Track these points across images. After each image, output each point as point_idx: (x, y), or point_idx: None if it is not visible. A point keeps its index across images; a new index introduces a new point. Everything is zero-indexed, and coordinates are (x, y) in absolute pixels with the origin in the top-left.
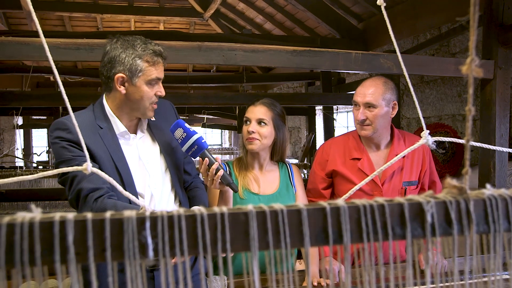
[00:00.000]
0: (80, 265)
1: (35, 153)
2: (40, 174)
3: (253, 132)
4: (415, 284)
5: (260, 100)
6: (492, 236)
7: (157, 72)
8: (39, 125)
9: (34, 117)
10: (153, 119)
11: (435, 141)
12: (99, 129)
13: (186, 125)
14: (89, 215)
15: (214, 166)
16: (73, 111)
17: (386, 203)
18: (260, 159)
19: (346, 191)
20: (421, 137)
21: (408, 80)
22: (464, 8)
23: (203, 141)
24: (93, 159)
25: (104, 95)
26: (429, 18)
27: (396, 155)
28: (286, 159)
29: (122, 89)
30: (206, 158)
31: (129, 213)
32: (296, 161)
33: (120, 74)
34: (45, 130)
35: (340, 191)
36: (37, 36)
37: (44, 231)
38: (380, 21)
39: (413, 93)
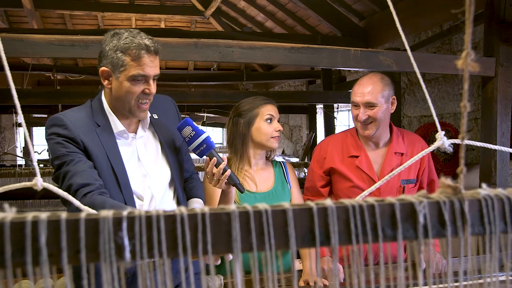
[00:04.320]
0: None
1: (35, 151)
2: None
3: (280, 130)
4: (413, 285)
5: (270, 99)
6: (488, 238)
7: (141, 68)
8: (39, 123)
9: (35, 115)
10: (151, 115)
11: (451, 144)
12: (96, 127)
13: (195, 123)
14: (63, 215)
15: (222, 166)
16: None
17: (376, 203)
18: (258, 158)
19: (344, 189)
20: (431, 136)
21: (419, 76)
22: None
23: (211, 140)
24: (89, 157)
25: (103, 91)
26: (431, 16)
27: (395, 152)
28: (286, 158)
29: (106, 83)
30: (214, 158)
31: (105, 213)
32: (296, 159)
33: (104, 68)
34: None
35: (338, 189)
36: (38, 33)
37: (15, 232)
38: (381, 19)
39: (425, 90)
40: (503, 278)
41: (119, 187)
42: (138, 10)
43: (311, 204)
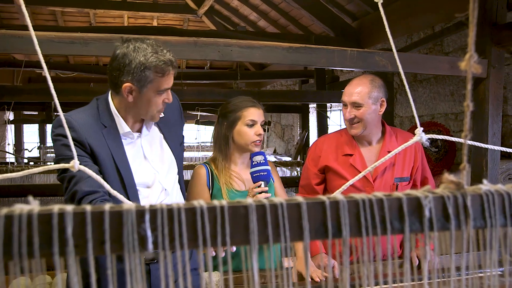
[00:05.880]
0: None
1: (26, 149)
2: (28, 171)
3: (261, 134)
4: (410, 280)
5: (255, 102)
6: (488, 231)
7: (167, 82)
8: (30, 120)
9: (26, 112)
10: (161, 114)
11: (428, 139)
12: (102, 128)
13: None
14: (88, 207)
15: (262, 196)
16: (65, 107)
17: (384, 197)
18: (244, 157)
19: (338, 187)
20: (414, 134)
21: (403, 78)
22: (458, 7)
23: (270, 174)
24: (95, 159)
25: (110, 93)
26: (423, 17)
27: (388, 151)
28: (278, 157)
29: (129, 98)
30: (262, 186)
31: (128, 206)
32: (289, 158)
33: (128, 84)
34: (36, 126)
35: (332, 187)
36: (34, 30)
37: (42, 223)
38: (374, 20)
39: (407, 90)
40: (501, 272)
41: (124, 188)
42: (131, 7)
43: (324, 198)
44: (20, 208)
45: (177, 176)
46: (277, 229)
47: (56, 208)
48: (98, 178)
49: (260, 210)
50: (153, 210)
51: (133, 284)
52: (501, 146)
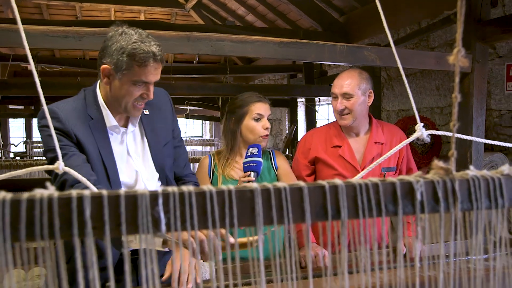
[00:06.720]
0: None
1: (12, 144)
2: (11, 173)
3: (268, 128)
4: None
5: (261, 97)
6: (474, 213)
7: (145, 75)
8: (17, 114)
9: (11, 107)
10: (146, 112)
11: (429, 134)
12: (89, 120)
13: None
14: (104, 192)
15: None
16: (54, 101)
17: (380, 182)
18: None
19: (328, 177)
20: (409, 129)
21: (402, 72)
22: (444, 3)
23: (260, 167)
24: (82, 149)
25: (98, 84)
26: (409, 13)
27: (375, 142)
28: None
29: (105, 81)
30: (251, 176)
31: (142, 190)
32: None
33: (106, 66)
34: (21, 120)
35: (322, 177)
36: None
37: (62, 207)
38: (361, 15)
39: (406, 85)
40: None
41: (108, 181)
42: (118, 1)
43: (324, 182)
44: (40, 192)
45: (160, 175)
46: (280, 212)
47: (74, 192)
48: (84, 180)
49: (265, 193)
50: (166, 194)
51: (147, 265)
52: (485, 138)
